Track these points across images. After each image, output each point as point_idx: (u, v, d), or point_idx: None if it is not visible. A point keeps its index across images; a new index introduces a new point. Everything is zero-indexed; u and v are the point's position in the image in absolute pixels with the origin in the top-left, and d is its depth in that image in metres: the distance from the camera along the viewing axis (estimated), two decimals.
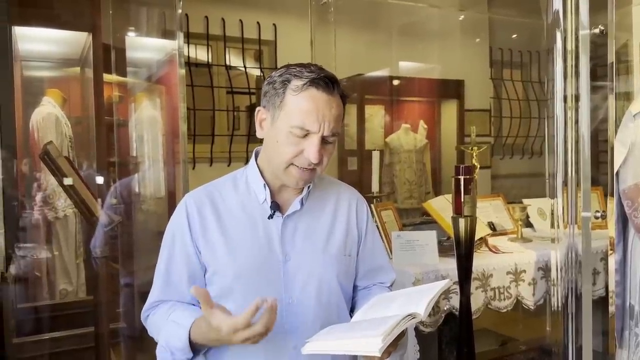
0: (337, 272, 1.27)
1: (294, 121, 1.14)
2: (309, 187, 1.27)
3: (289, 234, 1.24)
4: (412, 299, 1.09)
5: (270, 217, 1.24)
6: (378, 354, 0.95)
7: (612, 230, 2.32)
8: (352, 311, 1.33)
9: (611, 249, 2.41)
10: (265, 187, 1.24)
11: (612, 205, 2.24)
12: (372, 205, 2.71)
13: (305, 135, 1.15)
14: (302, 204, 1.26)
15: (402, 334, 1.08)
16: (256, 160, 1.29)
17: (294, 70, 1.17)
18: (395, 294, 1.19)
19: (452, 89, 4.97)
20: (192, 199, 1.25)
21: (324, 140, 1.16)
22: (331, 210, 1.31)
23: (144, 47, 3.33)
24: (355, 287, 1.37)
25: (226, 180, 1.30)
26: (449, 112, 5.12)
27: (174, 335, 1.15)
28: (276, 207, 1.24)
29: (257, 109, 1.24)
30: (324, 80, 1.15)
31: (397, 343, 1.07)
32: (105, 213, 2.76)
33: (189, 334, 1.13)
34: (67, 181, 2.54)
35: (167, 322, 1.18)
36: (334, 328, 1.10)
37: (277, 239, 1.23)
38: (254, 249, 1.21)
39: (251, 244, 1.22)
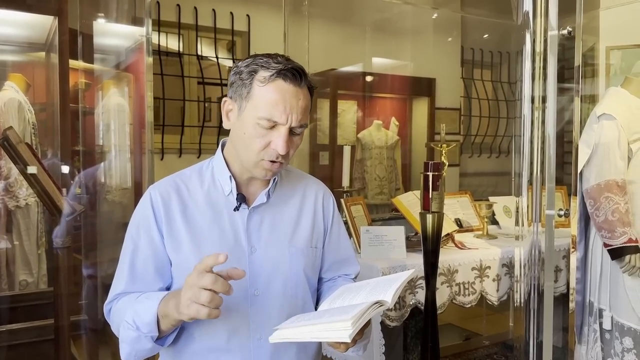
0: (304, 264, 1.26)
1: (261, 112, 1.12)
2: (275, 179, 1.27)
3: (255, 226, 1.23)
4: (379, 288, 1.09)
5: (236, 209, 1.22)
6: (348, 340, 0.94)
7: (574, 228, 2.38)
8: (316, 303, 1.33)
9: (574, 247, 2.47)
10: (231, 179, 1.23)
11: (575, 205, 2.30)
12: (342, 200, 2.71)
13: (273, 127, 1.14)
14: (268, 196, 1.26)
15: (368, 323, 1.08)
16: (222, 151, 1.28)
17: (261, 60, 1.15)
18: (361, 284, 1.19)
19: (423, 87, 5.01)
20: (157, 190, 1.23)
21: (291, 132, 1.15)
22: (298, 202, 1.31)
23: (113, 34, 3.25)
24: (320, 279, 1.37)
25: (192, 172, 1.28)
26: (420, 109, 5.16)
27: (142, 311, 1.11)
28: (242, 199, 1.22)
29: (224, 99, 1.22)
30: (292, 72, 1.13)
31: (363, 331, 1.07)
32: (68, 202, 2.69)
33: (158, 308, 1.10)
34: (30, 170, 2.46)
35: (136, 301, 1.15)
36: (301, 317, 1.10)
37: (242, 231, 1.22)
38: (219, 241, 1.20)
39: (216, 236, 1.20)
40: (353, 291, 1.14)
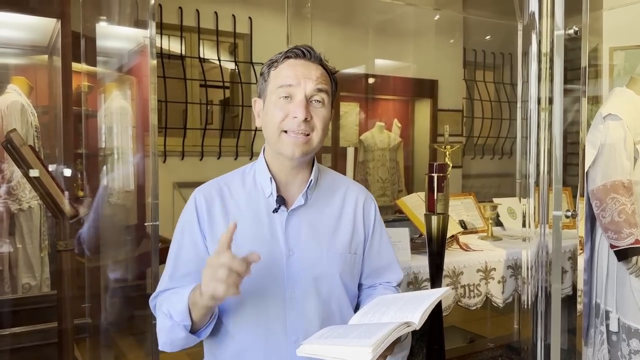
0: (340, 269, 1.26)
1: (276, 85, 1.19)
2: (310, 181, 1.27)
3: (294, 228, 1.24)
4: (410, 305, 1.08)
5: (275, 211, 1.23)
6: None
7: (582, 230, 2.36)
8: (357, 309, 1.32)
9: (581, 249, 2.46)
10: (271, 180, 1.24)
11: (582, 206, 2.28)
12: None
13: (291, 99, 1.18)
14: (306, 198, 1.26)
15: (399, 338, 1.07)
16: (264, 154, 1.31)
17: (276, 55, 1.24)
18: (395, 298, 1.18)
19: (426, 89, 5.01)
20: (202, 193, 1.26)
21: (311, 102, 1.19)
22: (338, 206, 1.31)
23: (115, 37, 3.25)
24: (360, 286, 1.36)
25: (235, 175, 1.31)
26: (423, 111, 5.16)
27: (176, 300, 1.15)
28: (281, 201, 1.23)
29: (254, 99, 1.29)
30: (299, 49, 1.21)
31: (393, 347, 1.07)
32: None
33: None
34: (33, 172, 2.45)
35: (173, 293, 1.20)
36: (331, 330, 1.10)
37: (281, 234, 1.23)
38: (258, 243, 1.21)
39: (256, 237, 1.22)
40: (385, 306, 1.13)
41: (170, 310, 1.15)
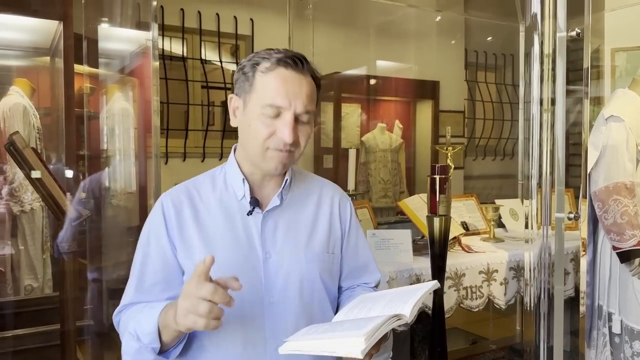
0: (320, 269, 1.22)
1: (264, 100, 1.12)
2: (286, 180, 1.23)
3: (269, 230, 1.19)
4: (398, 299, 1.05)
5: (250, 213, 1.19)
6: (360, 356, 0.90)
7: (585, 231, 2.36)
8: (336, 313, 1.27)
9: (583, 250, 2.45)
10: (244, 182, 1.20)
11: (585, 207, 2.28)
12: None
13: (278, 116, 1.12)
14: (281, 198, 1.22)
15: (385, 336, 1.03)
16: (235, 155, 1.25)
17: (262, 53, 1.16)
18: (379, 294, 1.16)
19: (427, 90, 5.01)
20: (169, 197, 1.20)
21: (298, 121, 1.14)
22: (313, 206, 1.27)
23: (117, 38, 3.25)
24: (339, 288, 1.33)
25: (205, 178, 1.26)
26: (424, 112, 5.16)
27: (144, 320, 1.08)
28: (255, 202, 1.19)
29: (230, 96, 1.21)
30: (292, 59, 1.13)
31: (379, 345, 1.03)
32: (74, 207, 2.69)
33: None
34: (35, 174, 2.46)
35: (140, 311, 1.12)
36: (315, 327, 1.06)
37: (257, 236, 1.18)
38: (233, 247, 1.16)
39: (230, 242, 1.16)
40: (370, 302, 1.10)
41: (138, 331, 1.07)
